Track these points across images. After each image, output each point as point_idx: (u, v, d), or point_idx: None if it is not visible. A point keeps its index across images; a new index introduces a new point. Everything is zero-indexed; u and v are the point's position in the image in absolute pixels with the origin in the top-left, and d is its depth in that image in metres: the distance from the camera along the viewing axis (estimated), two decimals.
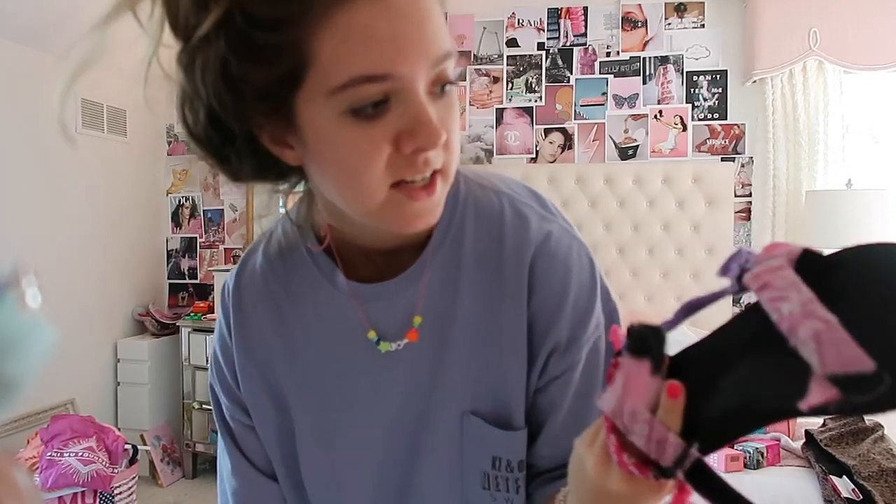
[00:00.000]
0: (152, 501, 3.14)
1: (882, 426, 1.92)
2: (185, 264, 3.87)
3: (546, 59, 3.46)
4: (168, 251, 3.89)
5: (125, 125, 3.52)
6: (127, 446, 2.79)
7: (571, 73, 3.45)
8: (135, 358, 3.42)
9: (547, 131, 3.45)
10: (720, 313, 3.36)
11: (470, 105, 3.50)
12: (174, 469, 3.42)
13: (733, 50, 3.32)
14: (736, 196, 3.30)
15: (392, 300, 0.65)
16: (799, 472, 1.75)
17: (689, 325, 3.15)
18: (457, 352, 0.65)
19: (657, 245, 3.27)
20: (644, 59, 3.40)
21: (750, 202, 3.32)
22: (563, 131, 3.43)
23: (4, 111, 2.82)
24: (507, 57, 3.47)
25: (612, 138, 3.42)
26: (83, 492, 2.57)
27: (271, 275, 0.70)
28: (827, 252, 0.40)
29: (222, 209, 3.81)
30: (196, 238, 3.85)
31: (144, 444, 3.28)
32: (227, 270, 3.53)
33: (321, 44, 0.47)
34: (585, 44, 3.44)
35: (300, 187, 0.64)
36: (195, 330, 3.37)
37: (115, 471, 2.67)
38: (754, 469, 1.76)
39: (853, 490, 1.62)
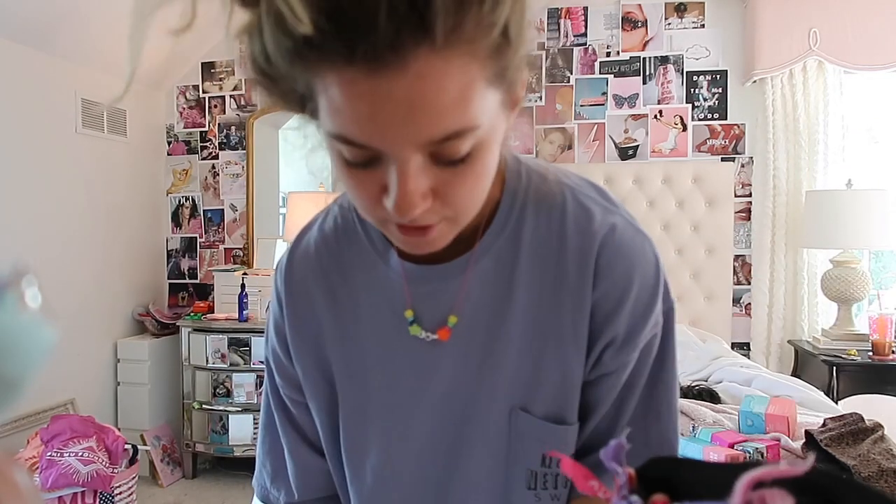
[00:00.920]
0: (152, 501, 3.14)
1: (882, 426, 1.92)
2: (185, 264, 3.87)
3: (546, 59, 3.46)
4: (168, 251, 3.89)
5: (125, 125, 3.52)
6: (127, 446, 2.79)
7: (571, 73, 3.45)
8: (135, 358, 3.42)
9: (547, 131, 3.45)
10: (719, 313, 3.36)
11: None
12: (174, 469, 3.42)
13: (733, 50, 3.32)
14: (736, 196, 3.30)
15: (437, 286, 0.65)
16: None
17: (689, 326, 3.16)
18: (510, 346, 0.65)
19: (657, 245, 3.26)
20: (644, 59, 3.40)
21: (750, 202, 3.32)
22: (563, 131, 3.43)
23: (4, 111, 2.82)
24: None
25: (612, 138, 3.42)
26: (83, 492, 2.57)
27: (325, 251, 0.71)
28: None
29: (222, 209, 3.81)
30: (196, 238, 3.85)
31: (144, 444, 3.28)
32: (227, 270, 3.53)
33: (319, 93, 0.47)
34: (585, 44, 3.44)
35: None
36: (195, 330, 3.36)
37: (115, 471, 2.67)
38: None
39: None
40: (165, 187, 3.87)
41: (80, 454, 2.57)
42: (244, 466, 3.38)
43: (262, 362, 3.28)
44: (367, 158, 0.49)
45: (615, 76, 3.42)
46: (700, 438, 1.91)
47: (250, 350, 3.31)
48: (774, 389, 2.43)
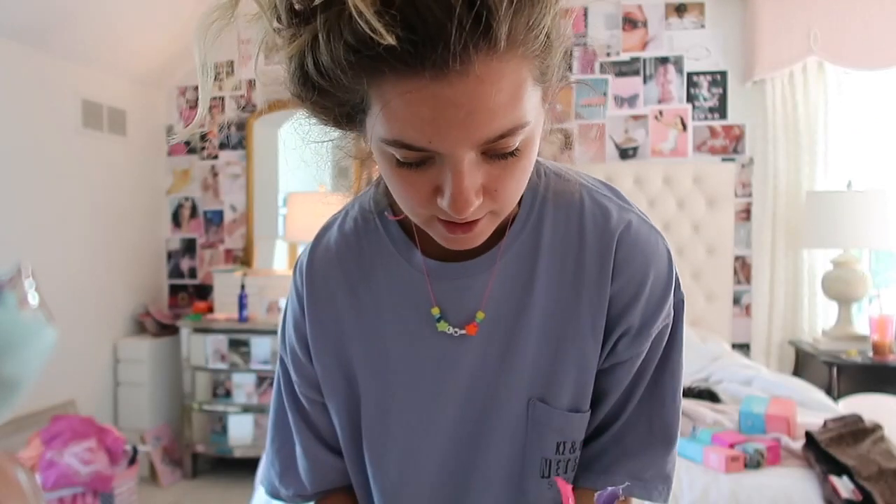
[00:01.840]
0: (152, 502, 3.14)
1: (882, 427, 1.92)
2: (185, 264, 3.87)
3: None
4: (168, 251, 3.89)
5: (125, 125, 3.52)
6: (127, 447, 2.79)
7: (571, 73, 3.45)
8: (134, 358, 3.42)
9: (547, 131, 3.44)
10: (719, 313, 3.36)
11: None
12: (174, 469, 3.42)
13: (733, 50, 3.32)
14: (736, 196, 3.30)
15: (462, 282, 0.67)
16: (799, 473, 1.75)
17: (689, 326, 3.16)
18: (529, 340, 0.67)
19: None
20: (644, 59, 3.40)
21: (750, 202, 3.32)
22: (563, 131, 3.43)
23: (4, 111, 2.82)
24: None
25: (612, 138, 3.42)
26: (83, 492, 2.57)
27: (346, 249, 0.72)
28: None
29: (222, 209, 3.81)
30: (196, 238, 3.85)
31: (144, 445, 3.28)
32: (227, 271, 3.53)
33: (373, 101, 0.49)
34: (585, 44, 3.44)
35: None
36: (195, 330, 3.36)
37: (116, 471, 2.67)
38: (754, 469, 1.76)
39: (853, 490, 1.62)
40: (165, 187, 3.87)
41: (80, 454, 2.57)
42: (244, 467, 3.38)
43: (262, 363, 3.29)
44: (421, 160, 0.51)
45: (615, 76, 3.41)
46: (700, 439, 1.91)
47: (250, 350, 3.31)
48: (774, 390, 2.43)
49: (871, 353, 2.79)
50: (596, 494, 0.42)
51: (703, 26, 3.35)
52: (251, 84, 3.73)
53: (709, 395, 2.37)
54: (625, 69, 3.41)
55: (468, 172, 0.50)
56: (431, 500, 0.73)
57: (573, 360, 0.67)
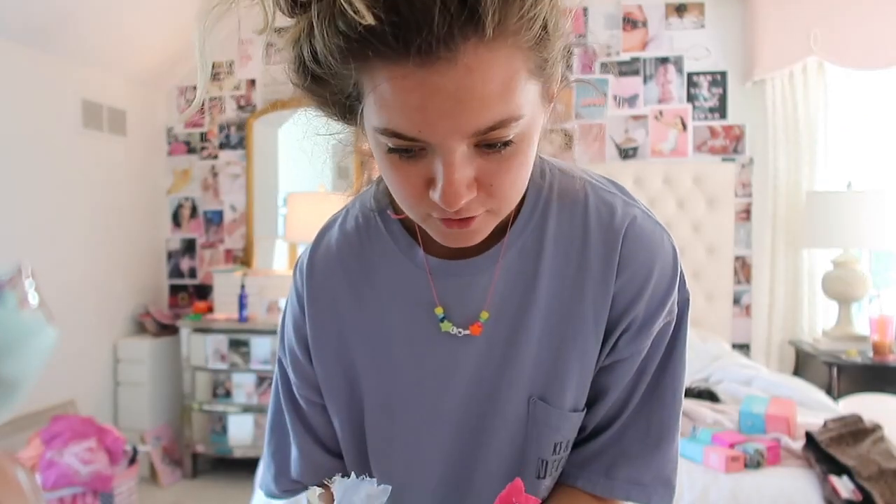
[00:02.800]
0: (152, 502, 3.14)
1: (882, 427, 1.92)
2: (185, 264, 3.87)
3: None
4: (168, 251, 3.89)
5: (125, 125, 3.52)
6: (127, 447, 2.79)
7: (571, 73, 3.45)
8: (134, 358, 3.42)
9: (547, 131, 3.44)
10: (719, 313, 3.36)
11: None
12: (174, 469, 3.42)
13: (733, 50, 3.32)
14: (736, 196, 3.30)
15: (465, 280, 0.67)
16: (799, 473, 1.75)
17: (689, 326, 3.15)
18: (532, 338, 0.66)
19: None
20: (644, 59, 3.40)
21: (750, 202, 3.32)
22: (563, 131, 3.43)
23: (5, 111, 2.82)
24: None
25: (612, 138, 3.42)
26: (83, 492, 2.57)
27: (347, 248, 0.72)
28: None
29: (222, 209, 3.81)
30: (196, 238, 3.85)
31: (144, 445, 3.28)
32: (227, 271, 3.53)
33: (366, 90, 0.50)
34: (585, 44, 3.44)
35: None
36: (195, 330, 3.36)
37: (116, 471, 2.67)
38: (754, 469, 1.76)
39: (853, 491, 1.62)
40: (165, 187, 3.87)
41: (80, 454, 2.57)
42: (244, 467, 3.38)
43: (262, 363, 3.29)
44: (413, 151, 0.51)
45: (615, 76, 3.41)
46: (700, 439, 1.91)
47: (250, 350, 3.31)
48: (774, 390, 2.43)
49: (871, 353, 2.79)
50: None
51: (703, 26, 3.35)
52: (251, 84, 3.73)
53: (709, 395, 2.37)
54: (625, 69, 3.41)
55: (459, 164, 0.50)
56: (433, 499, 0.73)
57: (575, 358, 0.66)
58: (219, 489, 3.30)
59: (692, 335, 2.97)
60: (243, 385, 3.34)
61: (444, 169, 0.50)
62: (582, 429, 0.70)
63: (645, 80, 3.40)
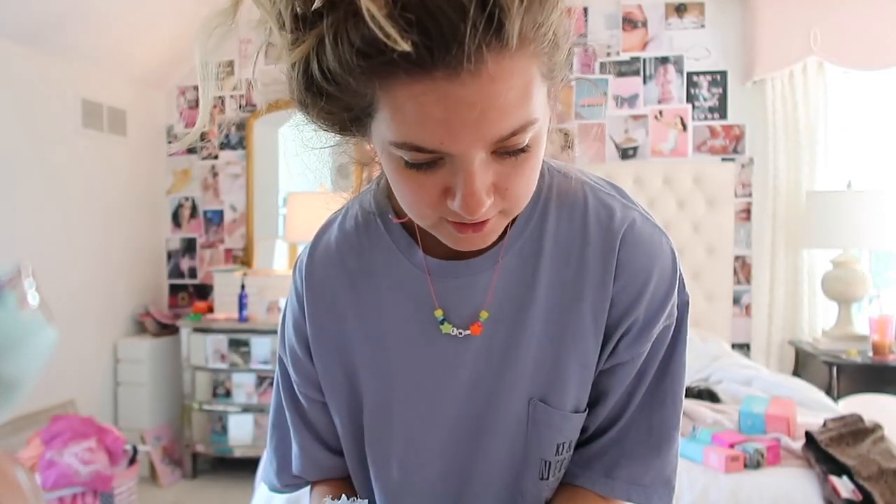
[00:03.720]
0: (152, 502, 3.14)
1: (882, 427, 1.92)
2: (185, 264, 3.87)
3: None
4: (168, 251, 3.89)
5: (125, 125, 3.52)
6: (127, 447, 2.79)
7: (571, 74, 3.45)
8: (135, 358, 3.42)
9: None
10: (719, 313, 3.36)
11: None
12: (174, 469, 3.42)
13: (733, 50, 3.32)
14: (736, 196, 3.30)
15: (465, 280, 0.67)
16: (799, 473, 1.74)
17: (689, 326, 3.15)
18: (531, 339, 0.67)
19: None
20: (644, 59, 3.40)
21: (750, 202, 3.32)
22: (564, 131, 3.43)
23: (4, 111, 2.82)
24: None
25: (612, 138, 3.42)
26: (83, 492, 2.57)
27: (346, 248, 0.72)
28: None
29: (222, 209, 3.81)
30: (196, 238, 3.85)
31: (144, 445, 3.28)
32: (227, 271, 3.53)
33: (382, 104, 0.49)
34: (585, 44, 3.44)
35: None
36: (195, 330, 3.36)
37: (116, 471, 2.67)
38: (754, 469, 1.76)
39: (853, 490, 1.62)
40: (165, 187, 3.87)
41: (80, 454, 2.57)
42: (244, 467, 3.38)
43: (262, 363, 3.29)
44: (431, 162, 0.50)
45: (615, 76, 3.42)
46: (700, 439, 1.91)
47: (250, 350, 3.31)
48: (774, 390, 2.43)
49: (870, 353, 2.79)
50: None
51: (703, 26, 3.35)
52: (251, 84, 3.73)
53: (709, 395, 2.37)
54: (625, 69, 3.41)
55: (479, 172, 0.50)
56: (433, 499, 0.73)
57: (575, 359, 0.66)
58: (219, 489, 3.30)
59: (692, 335, 2.97)
60: (243, 385, 3.34)
61: (465, 178, 0.50)
62: (584, 429, 0.70)
63: (645, 80, 3.40)
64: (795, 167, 3.16)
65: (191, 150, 3.84)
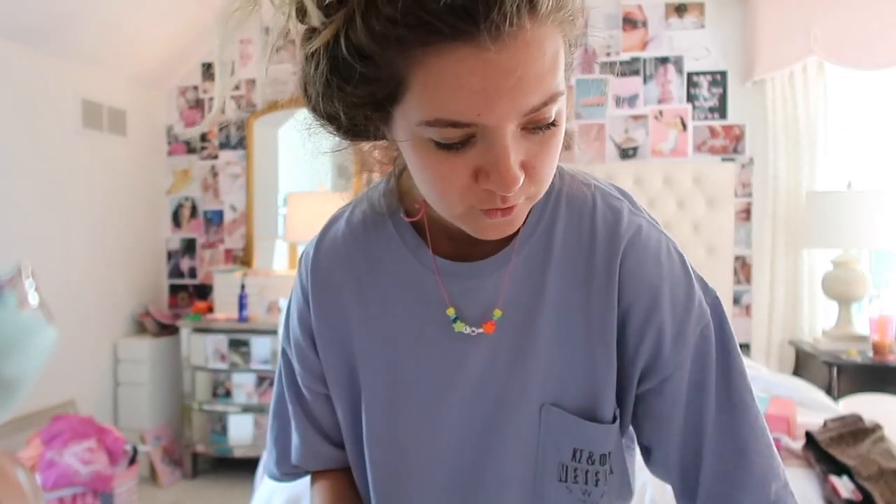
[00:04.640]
0: (152, 502, 3.14)
1: (882, 427, 1.92)
2: (185, 264, 3.87)
3: None
4: (168, 251, 3.89)
5: (125, 125, 3.52)
6: (127, 447, 2.79)
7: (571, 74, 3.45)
8: (135, 358, 3.42)
9: None
10: None
11: None
12: (174, 469, 3.42)
13: (733, 50, 3.32)
14: (736, 196, 3.30)
15: (475, 282, 0.66)
16: (799, 473, 1.74)
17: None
18: (541, 342, 0.66)
19: None
20: (644, 59, 3.40)
21: (750, 202, 3.32)
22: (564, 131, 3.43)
23: (4, 111, 2.82)
24: None
25: (612, 138, 3.42)
26: (83, 492, 2.57)
27: (353, 243, 0.72)
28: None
29: (222, 209, 3.81)
30: (196, 238, 3.85)
31: (144, 445, 3.28)
32: (227, 271, 3.53)
33: (415, 80, 0.48)
34: (585, 44, 3.43)
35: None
36: (195, 330, 3.36)
37: (116, 471, 2.67)
38: None
39: (853, 490, 1.62)
40: (165, 187, 3.87)
41: (80, 454, 2.57)
42: (244, 467, 3.38)
43: (262, 363, 3.29)
44: (463, 139, 0.50)
45: (617, 76, 3.41)
46: None
47: (250, 350, 3.31)
48: (774, 390, 2.43)
49: (871, 353, 2.79)
50: None
51: (703, 26, 3.35)
52: (251, 84, 3.73)
53: None
54: (625, 69, 3.41)
55: (513, 146, 0.50)
56: (437, 500, 0.71)
57: (584, 363, 0.65)
58: (219, 489, 3.30)
59: None
60: (243, 385, 3.34)
61: (499, 153, 0.49)
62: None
63: (645, 80, 3.40)
64: (795, 167, 3.15)
65: (191, 150, 3.83)
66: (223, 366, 3.34)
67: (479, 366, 0.67)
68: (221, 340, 3.33)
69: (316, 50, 0.49)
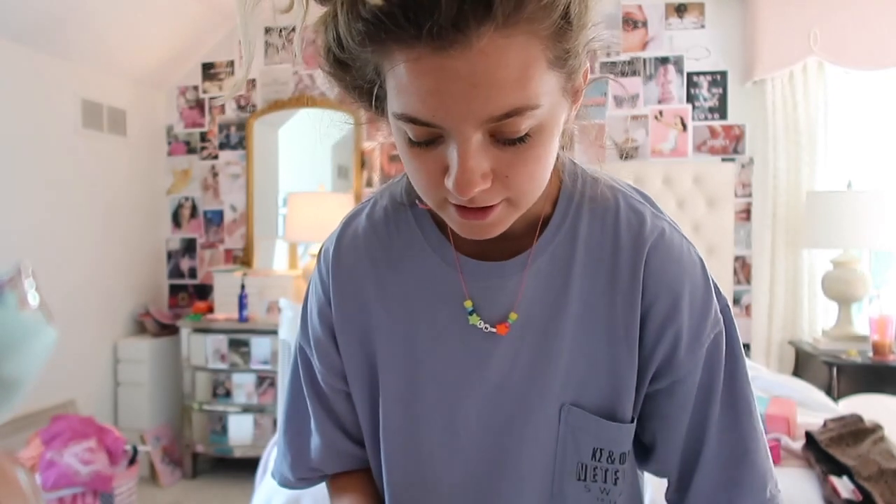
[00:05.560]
0: (152, 502, 3.14)
1: (882, 427, 1.92)
2: (185, 264, 3.87)
3: None
4: (168, 251, 3.89)
5: (125, 125, 3.52)
6: (127, 447, 2.79)
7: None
8: (135, 358, 3.42)
9: None
10: None
11: None
12: (174, 469, 3.42)
13: (733, 50, 3.32)
14: (736, 196, 3.30)
15: (494, 282, 0.66)
16: (799, 473, 1.74)
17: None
18: (563, 344, 0.66)
19: None
20: (644, 59, 3.40)
21: (750, 202, 3.32)
22: (563, 131, 3.43)
23: (4, 111, 2.82)
24: None
25: (612, 138, 3.42)
26: (83, 492, 2.57)
27: (374, 238, 0.72)
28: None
29: (222, 209, 3.81)
30: (196, 238, 3.85)
31: (144, 445, 3.28)
32: (227, 271, 3.53)
33: (386, 75, 0.51)
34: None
35: None
36: (195, 330, 3.36)
37: (116, 471, 2.67)
38: None
39: (853, 491, 1.62)
40: (165, 187, 3.87)
41: (80, 454, 2.57)
42: (244, 467, 3.38)
43: (262, 363, 3.29)
44: (431, 138, 0.51)
45: (617, 76, 3.41)
46: None
47: (250, 350, 3.31)
48: (774, 390, 2.43)
49: (871, 353, 2.79)
50: None
51: (703, 26, 3.35)
52: (251, 84, 3.73)
53: None
54: (625, 69, 3.40)
55: (474, 153, 0.50)
56: (452, 499, 0.71)
57: (607, 366, 0.66)
58: (219, 489, 3.30)
59: None
60: (243, 385, 3.34)
61: (458, 156, 0.50)
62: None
63: (645, 81, 3.40)
64: (795, 167, 3.15)
65: (191, 151, 3.84)
66: (223, 366, 3.34)
67: (500, 366, 0.67)
68: (221, 340, 3.33)
69: (317, 31, 0.52)
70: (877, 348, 2.77)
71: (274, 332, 3.26)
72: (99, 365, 3.36)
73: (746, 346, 3.29)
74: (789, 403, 2.10)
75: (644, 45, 3.39)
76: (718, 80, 3.34)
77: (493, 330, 0.66)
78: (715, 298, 0.67)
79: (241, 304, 3.35)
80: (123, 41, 3.29)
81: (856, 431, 1.85)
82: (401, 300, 0.70)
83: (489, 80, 0.47)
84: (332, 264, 0.73)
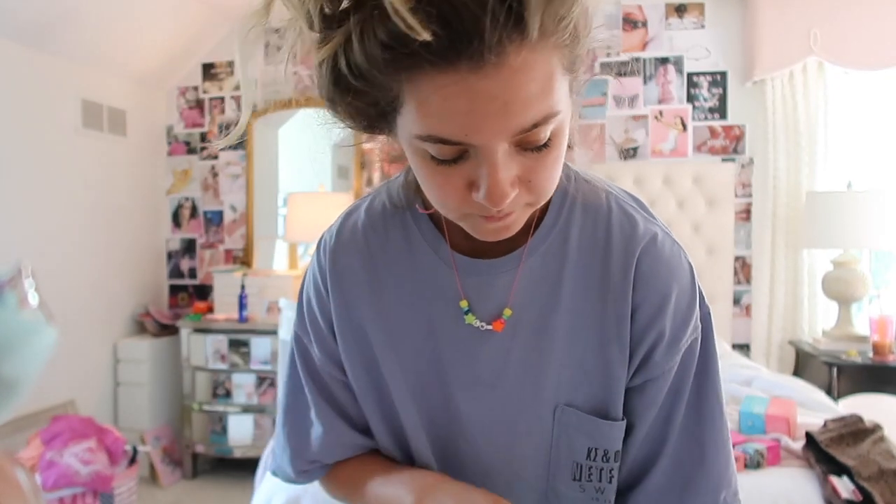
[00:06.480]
0: (152, 502, 3.14)
1: (882, 427, 1.92)
2: (185, 264, 3.87)
3: None
4: (168, 251, 3.89)
5: (125, 125, 3.52)
6: (127, 447, 2.79)
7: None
8: (134, 358, 3.42)
9: None
10: (719, 314, 3.35)
11: None
12: (174, 470, 3.42)
13: (733, 51, 3.32)
14: (736, 196, 3.30)
15: (488, 279, 0.68)
16: (799, 473, 1.74)
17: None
18: (555, 343, 0.67)
19: None
20: (644, 59, 3.40)
21: (750, 203, 3.32)
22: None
23: (4, 111, 2.82)
24: None
25: (612, 138, 3.42)
26: (83, 492, 2.57)
27: (372, 233, 0.73)
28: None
29: (222, 209, 3.81)
30: (196, 238, 3.85)
31: (144, 445, 3.28)
32: (227, 271, 3.53)
33: (408, 98, 0.50)
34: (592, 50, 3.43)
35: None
36: (195, 330, 3.36)
37: (116, 471, 2.67)
38: (754, 469, 1.75)
39: (853, 491, 1.62)
40: (165, 187, 3.87)
41: (80, 454, 2.57)
42: (244, 467, 3.38)
43: (262, 363, 3.29)
44: (456, 155, 0.51)
45: (617, 76, 3.41)
46: None
47: (250, 350, 3.31)
48: (775, 390, 2.43)
49: (871, 354, 2.79)
50: None
51: (703, 26, 3.35)
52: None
53: None
54: (625, 69, 3.40)
55: (503, 164, 0.51)
56: None
57: (599, 365, 0.67)
58: (219, 489, 3.30)
59: None
60: (243, 385, 3.34)
61: (488, 170, 0.51)
62: (627, 457, 0.69)
63: (645, 81, 3.40)
64: (795, 167, 3.15)
65: (191, 151, 3.84)
66: (223, 366, 3.34)
67: (493, 364, 0.68)
68: (221, 341, 3.33)
69: (323, 59, 0.51)
70: (877, 348, 2.77)
71: (274, 333, 3.26)
72: (99, 365, 3.36)
73: (746, 347, 3.29)
74: (789, 403, 2.10)
75: (644, 46, 3.39)
76: (718, 80, 3.34)
77: (490, 327, 0.67)
78: (697, 305, 0.68)
79: (241, 305, 3.35)
80: (123, 41, 3.29)
81: (856, 431, 1.85)
82: (396, 295, 0.71)
83: (521, 96, 0.48)
84: (329, 257, 0.74)
